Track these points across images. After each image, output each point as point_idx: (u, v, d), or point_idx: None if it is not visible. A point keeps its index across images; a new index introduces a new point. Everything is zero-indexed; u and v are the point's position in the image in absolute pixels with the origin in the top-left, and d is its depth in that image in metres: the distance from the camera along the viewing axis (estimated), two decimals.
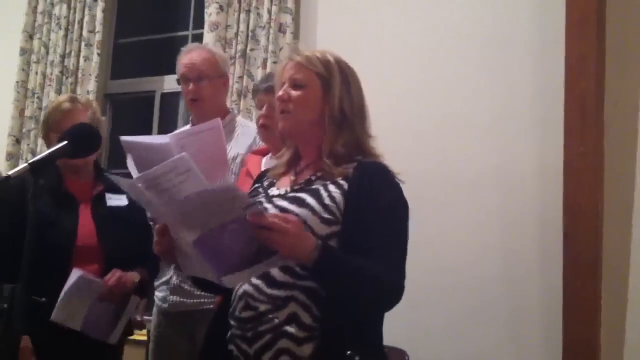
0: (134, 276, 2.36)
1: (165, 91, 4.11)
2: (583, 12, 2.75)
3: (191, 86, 2.59)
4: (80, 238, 2.34)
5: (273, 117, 2.21)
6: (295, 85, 1.70)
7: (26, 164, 1.61)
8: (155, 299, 2.66)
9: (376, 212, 1.58)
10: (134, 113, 4.37)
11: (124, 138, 1.53)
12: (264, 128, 2.29)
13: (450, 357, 2.91)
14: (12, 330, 1.58)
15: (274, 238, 1.42)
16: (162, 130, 4.05)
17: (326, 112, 1.69)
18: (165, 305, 2.58)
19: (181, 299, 2.53)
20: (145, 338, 3.26)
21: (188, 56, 2.63)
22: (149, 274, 2.44)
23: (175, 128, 3.94)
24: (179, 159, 1.41)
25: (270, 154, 2.35)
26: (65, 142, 1.72)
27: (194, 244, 1.41)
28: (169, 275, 2.57)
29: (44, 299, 1.87)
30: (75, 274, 2.22)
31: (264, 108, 2.29)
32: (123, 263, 2.37)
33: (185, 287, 2.50)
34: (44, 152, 1.72)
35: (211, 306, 2.38)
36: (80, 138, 1.79)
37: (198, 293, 2.45)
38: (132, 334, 2.61)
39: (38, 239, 1.56)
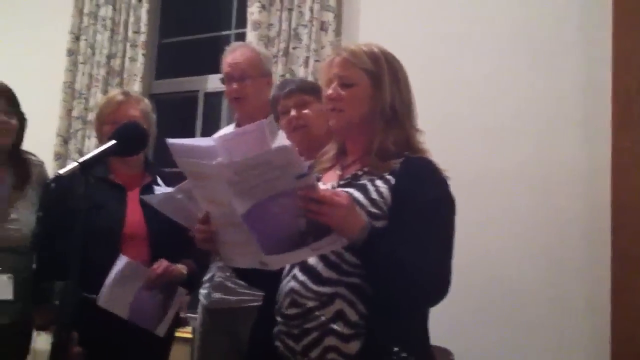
0: (181, 268, 2.38)
1: (208, 91, 4.14)
2: (631, 4, 2.70)
3: (234, 85, 2.60)
4: (128, 225, 2.37)
5: (303, 116, 2.21)
6: (344, 83, 1.69)
7: (76, 163, 1.65)
8: (200, 296, 2.69)
9: (422, 207, 1.57)
10: (177, 113, 4.42)
11: (170, 140, 1.56)
12: (300, 129, 2.23)
13: (494, 356, 2.88)
14: (64, 326, 1.62)
15: (324, 211, 1.41)
16: (206, 129, 4.09)
17: (377, 109, 1.68)
18: (209, 303, 2.61)
19: (224, 296, 2.55)
20: (189, 336, 3.30)
21: (232, 55, 2.64)
22: (197, 268, 2.45)
23: (218, 127, 3.98)
24: (220, 165, 1.41)
25: None
26: (114, 141, 1.76)
27: (243, 217, 1.40)
28: (212, 272, 2.59)
29: (94, 295, 1.91)
30: (122, 260, 2.25)
31: (293, 110, 2.24)
32: (170, 252, 2.38)
33: (229, 284, 2.52)
34: (92, 151, 1.76)
35: (254, 304, 2.39)
36: (128, 138, 1.82)
37: (241, 290, 2.47)
38: (180, 326, 2.64)
39: (88, 225, 1.61)
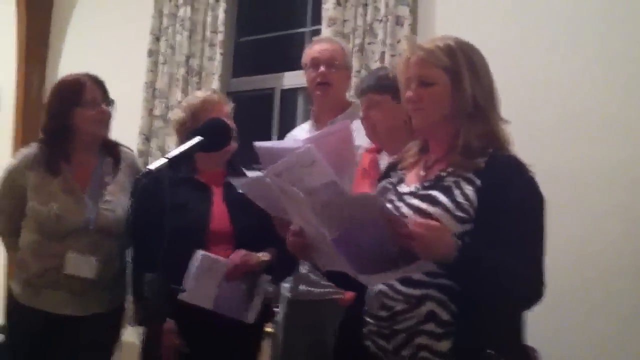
0: (261, 255, 2.43)
1: (284, 88, 4.18)
2: None
3: (322, 69, 2.64)
4: (214, 222, 2.43)
5: (370, 117, 2.25)
6: (423, 83, 1.67)
7: (165, 159, 1.70)
8: (282, 289, 2.72)
9: (512, 208, 1.54)
10: (254, 110, 4.49)
11: (257, 144, 1.59)
12: (369, 129, 2.30)
13: (581, 356, 2.80)
14: (155, 317, 1.67)
15: (417, 245, 1.42)
16: (282, 126, 4.13)
17: (459, 105, 1.65)
18: (292, 295, 2.64)
19: (308, 288, 2.58)
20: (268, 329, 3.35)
21: (320, 44, 2.73)
22: (281, 255, 2.45)
23: (294, 124, 4.00)
24: (304, 151, 1.43)
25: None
26: (200, 137, 1.80)
27: (333, 242, 1.42)
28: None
29: (182, 287, 1.97)
30: (198, 254, 2.31)
31: (362, 111, 2.31)
32: (255, 247, 2.44)
33: (312, 276, 2.55)
34: (177, 147, 1.81)
35: (338, 296, 2.42)
36: (213, 133, 1.87)
37: (325, 283, 2.49)
38: (271, 318, 2.69)
39: (174, 223, 1.66)
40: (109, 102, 2.65)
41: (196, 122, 2.52)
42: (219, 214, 2.46)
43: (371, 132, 2.28)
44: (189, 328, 2.34)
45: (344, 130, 1.56)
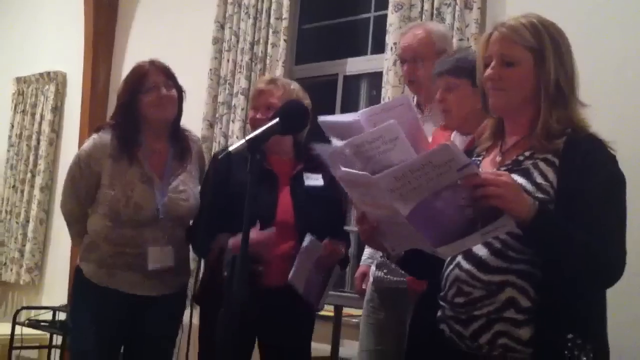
0: (342, 247, 2.47)
1: (347, 74, 4.17)
2: None
3: (405, 67, 2.61)
4: (280, 214, 2.44)
5: (446, 100, 2.18)
6: (505, 62, 1.62)
7: (244, 141, 1.71)
8: (370, 273, 2.71)
9: (593, 188, 1.51)
10: (317, 97, 4.47)
11: (321, 118, 1.58)
12: (443, 113, 2.24)
13: None
14: (235, 297, 1.68)
15: (490, 192, 1.38)
16: (345, 113, 4.10)
17: (540, 87, 1.60)
18: (374, 280, 2.64)
19: (384, 276, 2.56)
20: (330, 314, 3.37)
21: (404, 37, 2.65)
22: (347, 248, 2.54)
23: (357, 110, 3.97)
24: (387, 126, 1.41)
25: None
26: (277, 119, 1.80)
27: (408, 217, 1.39)
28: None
29: (261, 268, 1.97)
30: (309, 237, 2.35)
31: (438, 93, 2.22)
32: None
33: (390, 264, 2.54)
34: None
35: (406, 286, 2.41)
36: (290, 115, 1.86)
37: (402, 272, 2.47)
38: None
39: (242, 211, 1.67)
40: (173, 85, 2.63)
41: (250, 108, 2.61)
42: (285, 206, 2.47)
43: (445, 116, 2.22)
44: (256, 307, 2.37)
45: (405, 104, 1.52)
